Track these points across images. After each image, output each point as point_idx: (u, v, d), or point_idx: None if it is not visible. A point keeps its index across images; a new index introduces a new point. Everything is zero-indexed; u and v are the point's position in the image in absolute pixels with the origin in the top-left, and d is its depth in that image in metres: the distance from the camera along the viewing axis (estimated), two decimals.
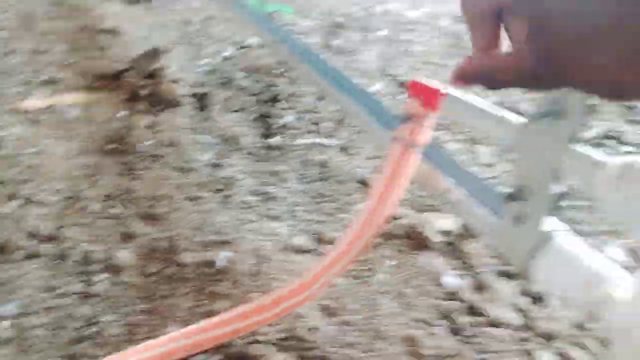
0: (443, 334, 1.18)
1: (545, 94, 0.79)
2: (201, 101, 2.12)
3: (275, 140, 1.86)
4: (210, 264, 1.28)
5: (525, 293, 1.27)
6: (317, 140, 1.87)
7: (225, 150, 1.83)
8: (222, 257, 1.32)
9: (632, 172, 0.70)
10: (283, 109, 2.05)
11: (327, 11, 3.10)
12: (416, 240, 1.42)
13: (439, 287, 1.30)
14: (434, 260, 1.37)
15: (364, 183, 1.65)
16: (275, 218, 1.52)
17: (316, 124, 1.97)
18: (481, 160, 1.81)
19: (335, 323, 1.19)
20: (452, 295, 1.27)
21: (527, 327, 1.19)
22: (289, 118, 1.98)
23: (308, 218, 1.52)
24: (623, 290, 0.65)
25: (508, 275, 1.32)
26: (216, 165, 1.75)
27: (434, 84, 1.10)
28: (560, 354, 1.13)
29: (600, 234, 1.45)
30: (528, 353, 1.13)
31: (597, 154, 0.78)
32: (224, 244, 1.39)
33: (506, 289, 1.29)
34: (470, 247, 1.40)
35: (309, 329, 1.14)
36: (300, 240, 1.44)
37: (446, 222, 1.48)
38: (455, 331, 1.19)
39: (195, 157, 1.78)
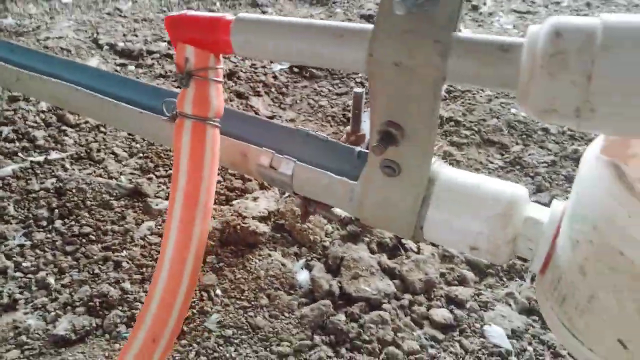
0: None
1: None
2: None
3: None
4: None
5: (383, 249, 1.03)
6: (36, 158, 1.23)
7: None
8: None
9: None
10: None
11: None
12: (244, 238, 1.03)
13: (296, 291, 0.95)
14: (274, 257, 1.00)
15: (138, 194, 1.14)
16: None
17: (23, 136, 1.31)
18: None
19: None
20: (311, 294, 0.94)
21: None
22: None
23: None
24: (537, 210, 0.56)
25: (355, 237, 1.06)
26: None
27: (210, 14, 0.69)
28: None
29: None
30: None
31: (497, 38, 0.51)
32: None
33: (365, 256, 1.02)
34: (305, 225, 1.08)
35: None
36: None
37: (263, 203, 1.12)
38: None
39: None
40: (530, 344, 0.84)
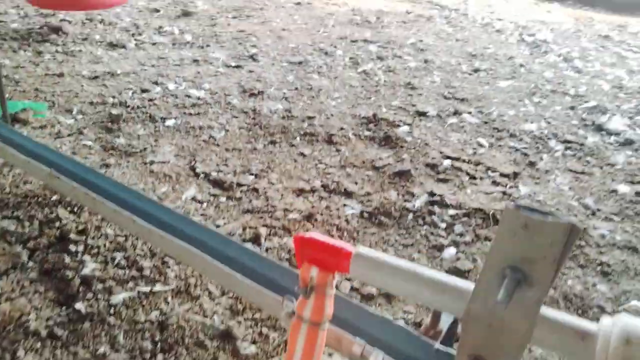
0: None
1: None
2: None
3: (82, 305, 1.35)
4: None
5: None
6: (143, 288, 1.43)
7: (7, 343, 1.23)
8: None
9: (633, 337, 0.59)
10: (77, 253, 1.53)
11: (95, 101, 2.60)
12: None
13: None
14: None
15: (228, 336, 1.30)
16: None
17: (132, 264, 1.52)
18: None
19: None
20: None
21: None
22: (90, 266, 1.48)
23: None
24: None
25: None
26: None
27: (333, 240, 0.86)
28: None
29: None
30: None
31: (580, 321, 0.65)
32: None
33: None
34: None
35: None
36: None
37: None
38: None
39: None
40: None
